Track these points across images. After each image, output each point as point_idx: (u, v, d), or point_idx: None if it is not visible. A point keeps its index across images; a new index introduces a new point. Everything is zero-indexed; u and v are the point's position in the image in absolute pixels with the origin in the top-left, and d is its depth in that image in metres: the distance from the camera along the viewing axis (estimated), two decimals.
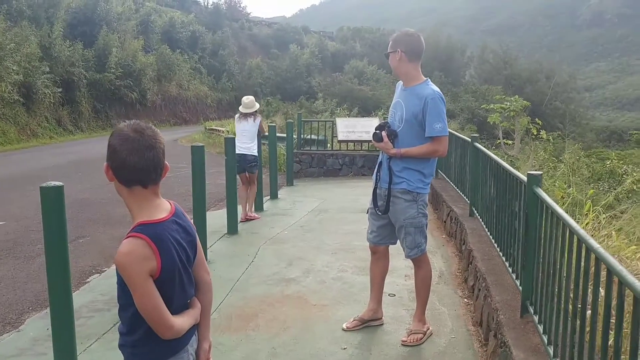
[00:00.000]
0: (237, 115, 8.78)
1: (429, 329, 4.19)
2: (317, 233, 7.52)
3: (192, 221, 2.00)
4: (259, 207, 8.98)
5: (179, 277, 1.84)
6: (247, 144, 8.43)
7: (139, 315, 1.76)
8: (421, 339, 4.07)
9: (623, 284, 2.05)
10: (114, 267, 6.07)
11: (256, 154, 8.65)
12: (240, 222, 8.09)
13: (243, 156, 8.32)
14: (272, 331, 4.30)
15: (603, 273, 2.34)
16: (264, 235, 7.38)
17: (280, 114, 32.06)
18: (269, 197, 9.94)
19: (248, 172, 8.54)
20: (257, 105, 8.83)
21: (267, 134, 9.97)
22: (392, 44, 4.01)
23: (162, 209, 1.86)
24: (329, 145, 14.62)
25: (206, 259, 6.19)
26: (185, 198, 9.24)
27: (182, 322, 1.85)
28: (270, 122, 18.16)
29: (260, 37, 69.75)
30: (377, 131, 4.05)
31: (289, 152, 12.02)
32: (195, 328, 1.98)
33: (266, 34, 71.49)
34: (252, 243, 6.96)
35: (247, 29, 70.30)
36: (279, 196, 10.23)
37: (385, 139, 3.98)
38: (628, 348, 2.05)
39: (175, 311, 1.83)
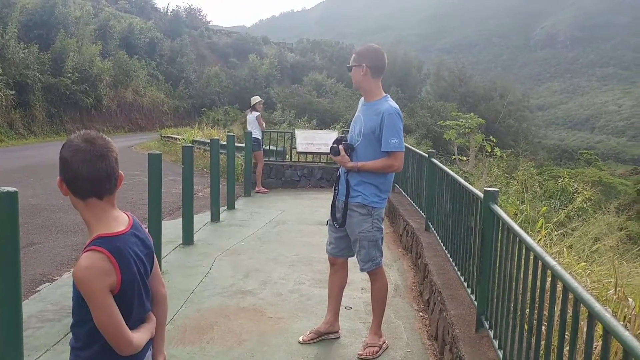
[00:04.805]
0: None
1: (384, 342, 4.20)
2: (275, 245, 7.48)
3: (147, 232, 1.96)
4: (215, 217, 8.89)
5: (138, 292, 1.81)
6: (251, 130, 11.89)
7: (96, 330, 1.70)
8: (377, 352, 4.07)
9: (579, 300, 2.09)
10: (65, 275, 5.94)
11: (255, 136, 11.84)
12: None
13: None
14: (228, 344, 4.24)
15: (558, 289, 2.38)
16: (220, 246, 7.29)
17: (238, 123, 31.89)
18: (225, 207, 9.83)
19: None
20: (256, 101, 12.18)
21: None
22: (356, 58, 4.02)
23: (120, 221, 1.82)
24: (287, 156, 14.58)
25: (161, 270, 6.06)
26: (139, 206, 9.08)
27: (140, 337, 1.81)
28: (228, 132, 18.04)
29: (220, 46, 69.33)
30: (335, 145, 4.07)
31: (247, 162, 11.95)
32: (151, 342, 1.94)
33: (225, 42, 71.09)
34: (207, 254, 6.87)
35: (207, 37, 69.82)
36: (236, 207, 10.12)
37: (342, 152, 4.00)
38: None
39: (132, 326, 1.78)
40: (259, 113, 12.12)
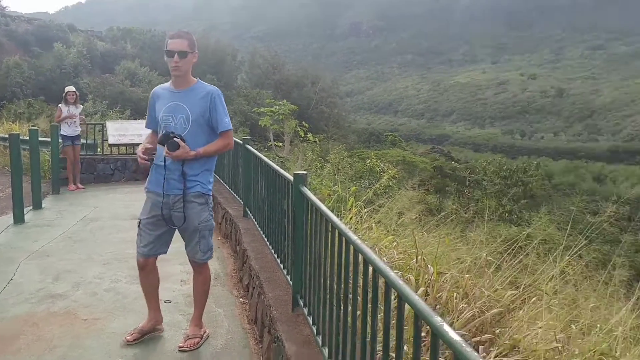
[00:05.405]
0: None
1: (205, 332, 4.20)
2: (88, 243, 7.09)
3: None
4: (19, 219, 8.20)
5: None
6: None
7: None
8: (198, 342, 4.06)
9: (377, 271, 2.27)
10: None
11: (61, 133, 11.02)
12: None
13: None
14: (37, 353, 3.95)
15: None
16: (25, 249, 6.74)
17: (44, 116, 29.56)
18: (31, 207, 9.10)
19: None
20: (65, 91, 11.36)
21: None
22: (191, 45, 3.87)
23: None
24: (99, 149, 13.85)
25: None
26: None
27: None
28: (32, 126, 16.67)
29: (19, 34, 63.40)
30: (172, 140, 3.81)
31: (54, 157, 11.12)
32: None
33: (26, 30, 65.15)
34: (11, 259, 6.31)
35: (4, 24, 63.55)
36: (43, 206, 9.41)
37: (182, 143, 3.82)
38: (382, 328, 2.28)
39: None
40: (61, 104, 11.20)
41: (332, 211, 6.34)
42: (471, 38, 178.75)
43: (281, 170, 4.46)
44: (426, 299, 4.21)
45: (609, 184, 60.73)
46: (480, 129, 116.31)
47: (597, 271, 5.06)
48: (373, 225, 6.55)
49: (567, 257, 4.66)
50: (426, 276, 4.53)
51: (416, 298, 1.89)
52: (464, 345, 1.50)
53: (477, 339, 3.79)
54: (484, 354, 3.53)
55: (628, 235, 5.91)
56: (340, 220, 5.76)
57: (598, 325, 4.05)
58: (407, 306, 1.98)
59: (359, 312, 2.55)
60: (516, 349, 3.55)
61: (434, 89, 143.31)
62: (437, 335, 1.66)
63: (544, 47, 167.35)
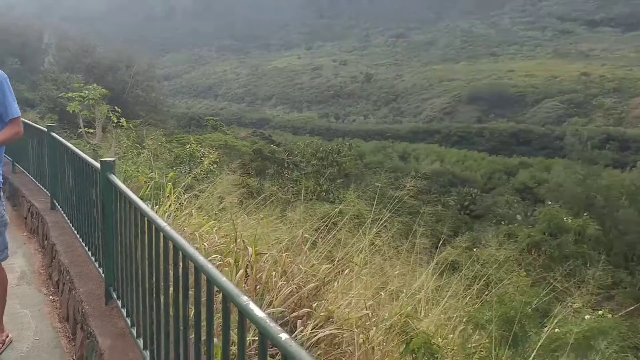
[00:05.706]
0: None
1: (8, 336, 3.87)
2: None
3: None
4: None
5: None
6: None
7: None
8: None
9: (187, 257, 2.25)
10: None
11: None
12: None
13: None
14: None
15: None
16: None
17: None
18: None
19: None
20: None
21: None
22: None
23: None
24: None
25: None
26: None
27: None
28: None
29: None
30: None
31: None
32: None
33: None
34: None
35: None
36: None
37: None
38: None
39: None
40: None
41: (149, 199, 6.17)
42: (286, 24, 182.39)
43: (88, 158, 4.24)
44: (247, 280, 4.25)
45: (412, 161, 66.05)
46: (298, 112, 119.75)
47: (402, 241, 5.47)
48: (193, 211, 6.46)
49: (375, 230, 4.98)
50: (246, 258, 4.57)
51: (223, 280, 1.90)
52: (267, 321, 1.54)
53: (295, 314, 3.91)
54: (302, 327, 3.65)
55: (428, 206, 6.45)
56: (159, 208, 5.62)
57: (404, 291, 4.38)
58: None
59: (171, 300, 2.51)
60: (331, 319, 3.72)
61: (252, 73, 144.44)
62: (243, 314, 1.69)
63: (352, 35, 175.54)
